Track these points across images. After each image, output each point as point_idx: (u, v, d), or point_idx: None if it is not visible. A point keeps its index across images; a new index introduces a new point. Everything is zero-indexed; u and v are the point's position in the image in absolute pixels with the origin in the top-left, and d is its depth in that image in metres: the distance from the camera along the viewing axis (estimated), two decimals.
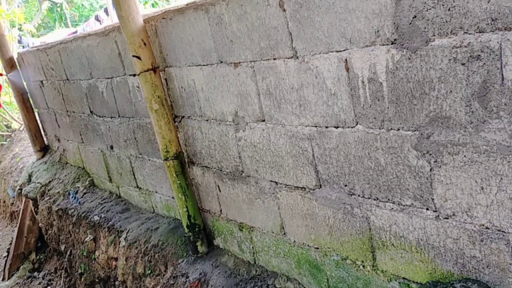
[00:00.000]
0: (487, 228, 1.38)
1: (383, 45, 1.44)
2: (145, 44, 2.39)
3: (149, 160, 3.08)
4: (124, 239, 3.15)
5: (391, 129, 1.54)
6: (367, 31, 1.47)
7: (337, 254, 1.94)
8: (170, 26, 2.30)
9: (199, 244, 2.63)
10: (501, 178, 1.29)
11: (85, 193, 4.07)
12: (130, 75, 2.85)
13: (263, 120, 2.02)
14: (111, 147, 3.53)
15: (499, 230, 1.35)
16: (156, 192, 3.17)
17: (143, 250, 2.95)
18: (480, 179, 1.34)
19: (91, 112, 3.61)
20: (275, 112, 1.94)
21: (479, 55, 1.23)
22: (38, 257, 4.86)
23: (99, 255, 3.49)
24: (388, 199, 1.65)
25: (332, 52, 1.61)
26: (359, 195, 1.75)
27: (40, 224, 4.62)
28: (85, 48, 3.24)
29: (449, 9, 1.25)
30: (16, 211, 5.52)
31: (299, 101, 1.82)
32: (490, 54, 1.21)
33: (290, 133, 1.92)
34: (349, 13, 1.49)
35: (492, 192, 1.33)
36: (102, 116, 3.44)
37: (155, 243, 2.90)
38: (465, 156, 1.35)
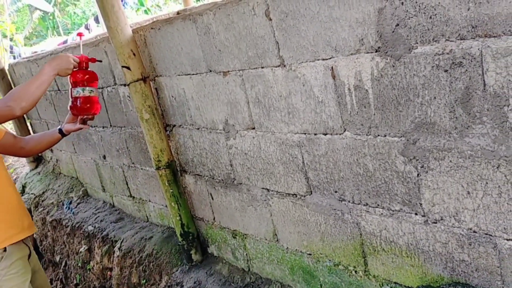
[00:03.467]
0: (474, 232, 1.39)
1: (368, 53, 1.46)
2: (134, 54, 2.39)
3: (141, 169, 3.08)
4: (119, 248, 3.15)
5: (378, 135, 1.55)
6: (352, 39, 1.49)
7: (330, 260, 1.95)
8: (159, 36, 2.31)
9: (193, 253, 2.63)
10: (487, 183, 1.31)
11: (79, 203, 4.06)
12: (121, 85, 2.85)
13: (253, 128, 2.03)
14: (104, 157, 3.53)
15: (486, 234, 1.36)
16: (150, 201, 3.17)
17: (138, 259, 2.95)
18: (466, 183, 1.36)
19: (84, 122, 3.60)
20: (265, 120, 1.95)
21: (461, 62, 1.25)
22: None
23: (94, 265, 3.49)
24: (378, 205, 1.66)
25: (318, 60, 1.63)
26: (349, 201, 1.76)
27: (34, 235, 4.60)
28: None
29: (430, 17, 1.27)
30: None
31: (287, 109, 1.83)
32: (471, 61, 1.23)
33: (280, 140, 1.93)
34: (334, 22, 1.51)
35: (478, 196, 1.34)
36: (94, 126, 3.44)
37: (149, 252, 2.89)
38: (450, 161, 1.37)
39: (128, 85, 2.45)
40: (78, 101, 2.21)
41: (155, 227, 3.15)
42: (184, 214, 2.60)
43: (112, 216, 3.62)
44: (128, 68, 2.39)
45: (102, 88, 3.10)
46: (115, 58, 2.71)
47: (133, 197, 3.39)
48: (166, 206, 2.94)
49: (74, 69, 2.19)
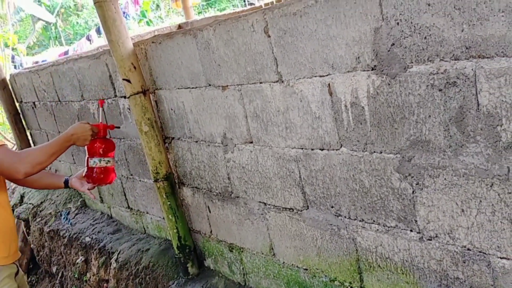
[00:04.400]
0: (468, 249, 1.40)
1: (364, 71, 1.48)
2: (135, 67, 2.42)
3: (140, 180, 3.09)
4: (115, 260, 3.14)
5: (374, 151, 1.57)
6: (348, 57, 1.51)
7: (326, 275, 1.95)
8: (160, 50, 2.34)
9: (190, 266, 2.63)
10: (480, 201, 1.32)
11: (76, 214, 4.06)
12: (121, 97, 2.88)
13: (251, 142, 2.05)
14: None
15: (480, 252, 1.37)
16: (147, 212, 3.18)
17: (134, 272, 2.94)
18: (460, 201, 1.37)
19: None
20: (263, 134, 1.97)
21: (455, 82, 1.27)
22: (29, 279, 4.81)
23: (90, 277, 3.47)
24: (374, 221, 1.67)
25: (315, 77, 1.65)
26: (345, 216, 1.77)
27: (32, 246, 4.59)
28: (76, 71, 3.28)
29: (425, 37, 1.30)
30: None
31: (285, 124, 1.85)
32: (465, 81, 1.25)
33: (277, 154, 1.95)
34: (331, 40, 1.54)
35: (472, 214, 1.35)
36: None
37: (146, 265, 2.89)
38: (445, 179, 1.38)
39: (128, 97, 2.47)
40: (94, 172, 2.20)
41: (152, 239, 3.15)
42: (181, 226, 2.60)
43: (109, 227, 3.62)
44: (128, 81, 2.42)
45: (103, 99, 3.12)
46: (116, 70, 2.73)
47: (131, 209, 3.39)
48: (163, 218, 2.95)
49: (92, 138, 2.15)
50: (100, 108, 2.29)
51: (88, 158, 2.20)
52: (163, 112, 2.53)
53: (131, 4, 8.39)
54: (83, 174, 2.24)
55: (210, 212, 2.49)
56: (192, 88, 2.24)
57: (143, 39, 2.50)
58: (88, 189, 2.25)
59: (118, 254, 3.18)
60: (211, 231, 2.56)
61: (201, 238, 2.66)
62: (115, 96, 2.95)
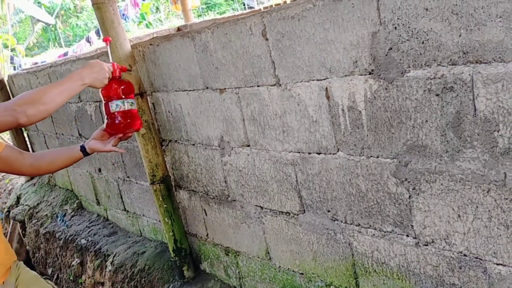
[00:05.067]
0: (465, 255, 1.40)
1: (361, 75, 1.48)
2: (132, 69, 2.41)
3: (136, 183, 3.08)
4: (111, 263, 3.13)
5: (371, 156, 1.56)
6: (346, 61, 1.51)
7: (322, 280, 1.94)
8: (158, 52, 2.33)
9: (186, 269, 2.62)
10: (477, 207, 1.31)
11: (73, 216, 4.04)
12: None
13: (248, 145, 2.05)
14: (99, 170, 3.53)
15: (476, 258, 1.37)
16: (144, 215, 3.17)
17: (129, 274, 2.93)
18: (457, 207, 1.37)
19: (80, 135, 3.62)
20: (260, 138, 1.97)
21: (452, 87, 1.27)
22: None
23: (85, 279, 3.46)
24: (370, 225, 1.66)
25: (313, 80, 1.65)
26: (341, 221, 1.76)
27: (27, 247, 4.57)
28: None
29: (422, 42, 1.29)
30: (4, 233, 5.45)
31: (282, 127, 1.85)
32: (462, 86, 1.25)
33: (274, 158, 1.94)
34: (328, 44, 1.53)
35: (469, 220, 1.35)
36: None
37: (141, 268, 2.88)
38: (441, 184, 1.38)
39: None
40: (118, 117, 1.81)
41: (148, 242, 3.13)
42: (177, 229, 2.59)
43: (105, 229, 3.61)
44: None
45: (100, 101, 3.11)
46: None
47: (127, 211, 3.38)
48: (159, 221, 2.93)
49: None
50: (108, 47, 1.96)
51: (107, 103, 1.82)
52: (160, 114, 2.52)
53: (131, 6, 8.40)
54: (104, 127, 1.85)
55: (206, 215, 2.48)
56: (190, 90, 2.23)
57: (141, 41, 2.50)
58: (113, 147, 1.86)
59: (114, 256, 3.16)
60: (207, 235, 2.55)
61: (197, 241, 2.64)
62: None
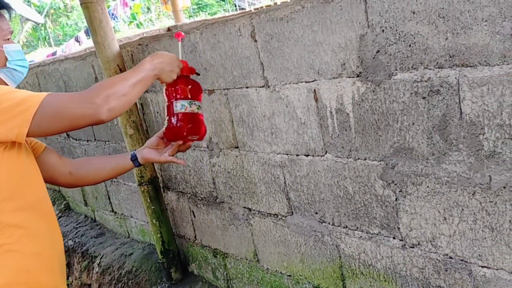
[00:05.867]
0: (450, 257, 1.40)
1: (349, 77, 1.48)
2: (120, 69, 2.40)
3: (124, 184, 3.05)
4: (98, 265, 3.10)
5: (358, 158, 1.56)
6: (334, 63, 1.51)
7: (309, 282, 1.94)
8: (146, 52, 2.32)
9: (173, 271, 2.60)
10: (462, 209, 1.32)
11: (60, 217, 4.00)
12: None
13: (237, 147, 2.04)
14: None
15: (462, 260, 1.37)
16: (131, 216, 3.14)
17: (117, 276, 2.90)
18: (442, 209, 1.37)
19: (68, 135, 3.58)
20: (248, 139, 1.96)
21: (438, 90, 1.27)
22: None
23: (72, 281, 3.42)
24: (357, 227, 1.66)
25: (301, 82, 1.65)
26: (329, 223, 1.76)
27: None
28: (62, 72, 3.24)
29: (409, 45, 1.30)
30: None
31: (271, 129, 1.84)
32: (448, 89, 1.25)
33: (263, 160, 1.94)
34: (317, 46, 1.53)
35: (454, 222, 1.35)
36: (78, 140, 3.42)
37: (129, 269, 2.85)
38: (428, 186, 1.38)
39: None
40: (182, 119, 1.50)
41: (136, 243, 3.11)
42: (165, 231, 2.57)
43: (93, 231, 3.58)
44: None
45: None
46: (102, 72, 2.71)
47: (115, 212, 3.35)
48: (147, 222, 2.91)
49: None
50: (179, 43, 1.63)
51: (171, 102, 1.52)
52: (148, 115, 2.51)
53: (120, 6, 8.35)
54: (161, 133, 1.57)
55: (194, 217, 2.47)
56: None
57: (129, 41, 2.48)
58: (171, 157, 1.56)
59: (101, 258, 3.14)
60: (195, 236, 2.53)
61: (185, 243, 2.63)
62: None
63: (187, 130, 1.50)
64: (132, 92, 1.30)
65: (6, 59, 1.36)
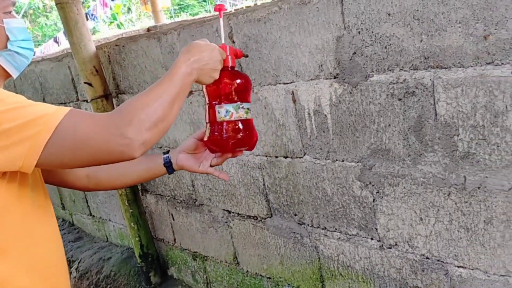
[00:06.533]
0: (427, 258, 1.41)
1: (327, 79, 1.48)
2: (97, 71, 2.36)
3: None
4: (76, 269, 3.04)
5: (336, 160, 1.56)
6: (312, 65, 1.51)
7: (289, 284, 1.94)
8: (123, 53, 2.28)
9: (152, 275, 2.57)
10: (438, 210, 1.33)
11: None
12: (83, 101, 2.80)
13: None
14: None
15: (438, 260, 1.38)
16: (110, 220, 3.09)
17: (95, 281, 2.85)
18: (419, 210, 1.38)
19: None
20: None
21: (414, 91, 1.28)
22: None
23: None
24: (336, 229, 1.66)
25: (279, 84, 1.64)
26: (308, 225, 1.76)
27: None
28: (38, 73, 3.17)
29: (385, 47, 1.30)
30: None
31: None
32: (424, 91, 1.26)
33: (242, 162, 1.92)
34: (294, 48, 1.53)
35: (431, 223, 1.36)
36: None
37: (107, 274, 2.80)
38: (404, 187, 1.39)
39: (90, 101, 2.40)
40: (225, 130, 1.19)
41: (114, 247, 3.06)
42: (144, 234, 2.54)
43: (71, 235, 3.51)
44: (90, 84, 2.35)
45: (64, 103, 3.03)
46: (78, 74, 2.66)
47: (93, 216, 3.30)
48: (126, 226, 2.87)
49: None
50: (220, 19, 1.26)
51: (212, 105, 1.20)
52: None
53: (100, 6, 8.24)
54: (204, 139, 1.23)
55: (173, 220, 2.44)
56: None
57: (106, 42, 2.44)
58: (212, 168, 1.25)
59: (79, 262, 3.08)
60: (174, 239, 2.50)
61: (164, 246, 2.60)
62: (78, 100, 2.87)
63: (233, 143, 1.20)
64: (171, 113, 1.00)
65: (7, 39, 1.05)
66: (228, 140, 1.19)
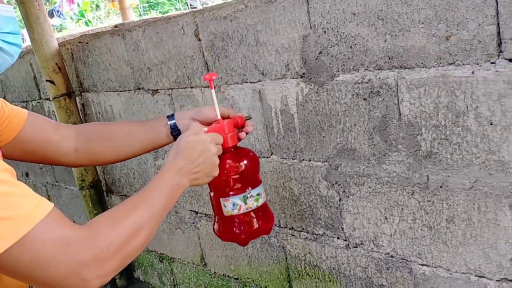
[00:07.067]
0: (392, 256, 1.42)
1: (293, 78, 1.47)
2: (59, 68, 2.28)
3: (66, 188, 2.92)
4: None
5: (303, 159, 1.56)
6: (278, 64, 1.49)
7: (256, 285, 1.92)
8: (87, 50, 2.22)
9: (118, 278, 2.51)
10: (402, 209, 1.34)
11: None
12: (46, 99, 2.71)
13: None
14: (27, 174, 3.31)
15: (402, 259, 1.40)
16: (74, 222, 3.00)
17: None
18: (384, 209, 1.39)
19: None
20: None
21: (378, 91, 1.28)
22: None
23: None
24: (303, 229, 1.66)
25: (246, 83, 1.63)
26: (275, 225, 1.75)
27: None
28: None
29: (350, 47, 1.30)
30: None
31: None
32: (388, 91, 1.27)
33: None
34: (261, 46, 1.52)
35: (395, 221, 1.37)
36: None
37: None
38: (369, 187, 1.40)
39: (52, 100, 2.33)
40: (234, 224, 1.09)
41: None
42: None
43: None
44: (52, 82, 2.27)
45: (26, 102, 2.93)
46: (40, 71, 2.57)
47: None
48: None
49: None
50: (212, 90, 1.11)
51: (217, 199, 1.09)
52: (90, 116, 2.40)
53: (66, 3, 8.02)
54: (214, 227, 1.15)
55: None
56: (121, 91, 2.14)
57: (69, 39, 2.37)
58: None
59: None
60: None
61: None
62: (40, 98, 2.77)
63: (245, 237, 1.09)
64: (147, 241, 0.86)
65: None
66: (241, 235, 1.08)
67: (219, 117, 1.08)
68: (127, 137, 1.12)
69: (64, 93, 2.29)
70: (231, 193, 1.04)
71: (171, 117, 1.13)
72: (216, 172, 0.99)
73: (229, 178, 1.04)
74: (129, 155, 1.16)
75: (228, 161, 1.03)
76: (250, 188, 1.05)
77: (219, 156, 0.99)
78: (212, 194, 1.08)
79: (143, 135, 1.13)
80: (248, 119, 1.14)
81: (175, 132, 1.11)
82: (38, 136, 1.05)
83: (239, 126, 1.09)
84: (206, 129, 1.02)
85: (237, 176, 1.05)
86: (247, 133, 1.15)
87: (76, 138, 1.11)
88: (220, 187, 1.05)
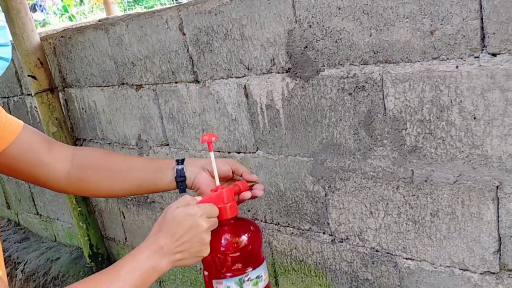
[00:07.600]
0: (377, 251, 1.43)
1: (279, 73, 1.46)
2: (42, 63, 2.24)
3: None
4: (21, 271, 2.90)
5: (289, 155, 1.55)
6: (264, 59, 1.48)
7: None
8: (70, 45, 2.18)
9: None
10: (387, 203, 1.35)
11: None
12: (28, 95, 2.66)
13: (167, 144, 1.97)
14: None
15: (387, 253, 1.40)
16: (58, 219, 2.97)
17: (42, 283, 2.73)
18: (369, 204, 1.39)
19: None
20: (179, 136, 1.90)
21: (363, 86, 1.28)
22: None
23: None
24: (289, 224, 1.66)
25: (231, 78, 1.61)
26: (261, 220, 1.75)
27: None
28: None
29: (336, 41, 1.30)
30: None
31: (201, 126, 1.79)
32: (373, 85, 1.27)
33: (194, 158, 1.88)
34: (246, 41, 1.50)
35: (380, 216, 1.38)
36: None
37: (55, 275, 2.69)
38: (355, 181, 1.40)
39: (34, 95, 2.28)
40: None
41: (63, 247, 2.94)
42: (93, 234, 2.45)
43: (16, 235, 3.35)
44: (34, 77, 2.23)
45: (8, 97, 2.87)
46: (22, 66, 2.53)
47: (40, 215, 3.15)
48: (74, 225, 2.76)
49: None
50: (211, 153, 0.98)
51: (208, 279, 0.96)
52: (73, 111, 2.37)
53: None
54: None
55: (124, 218, 2.37)
56: (104, 86, 2.11)
57: (51, 33, 2.33)
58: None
59: (25, 264, 2.93)
60: (125, 238, 2.43)
61: (115, 245, 2.52)
62: (22, 93, 2.72)
63: None
64: None
65: None
66: None
67: (217, 183, 0.94)
68: (126, 173, 1.02)
69: (46, 89, 2.25)
70: (227, 274, 0.90)
71: (180, 162, 1.02)
72: (206, 252, 0.86)
73: (225, 256, 0.90)
74: (124, 193, 1.08)
75: (224, 236, 0.90)
76: (250, 269, 0.91)
77: (214, 231, 0.87)
78: (205, 272, 0.95)
79: (144, 174, 1.02)
80: (254, 184, 1.02)
81: (180, 179, 1.00)
82: (28, 156, 0.95)
83: (242, 191, 0.97)
84: (199, 198, 0.90)
85: (234, 254, 0.90)
86: (254, 198, 1.01)
87: (71, 162, 1.01)
88: (213, 267, 0.91)
